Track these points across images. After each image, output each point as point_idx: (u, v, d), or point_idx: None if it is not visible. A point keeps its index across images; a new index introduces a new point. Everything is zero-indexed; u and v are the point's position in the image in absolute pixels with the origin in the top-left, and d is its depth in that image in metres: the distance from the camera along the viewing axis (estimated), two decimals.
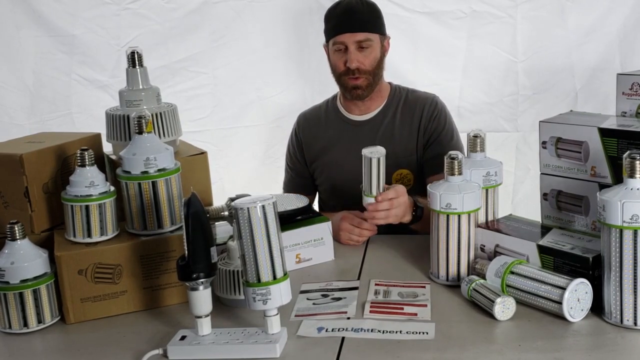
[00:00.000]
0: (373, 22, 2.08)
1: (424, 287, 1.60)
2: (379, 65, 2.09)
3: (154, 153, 1.56)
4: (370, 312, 1.49)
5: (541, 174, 1.65)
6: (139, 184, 1.57)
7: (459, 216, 1.56)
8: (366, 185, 1.78)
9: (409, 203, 1.85)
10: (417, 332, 1.39)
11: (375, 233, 1.96)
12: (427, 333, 1.38)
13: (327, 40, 2.12)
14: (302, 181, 2.25)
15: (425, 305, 1.51)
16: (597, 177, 1.53)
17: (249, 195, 1.39)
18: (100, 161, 1.76)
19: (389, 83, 2.19)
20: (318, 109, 2.26)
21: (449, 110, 2.16)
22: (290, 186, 2.29)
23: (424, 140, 2.09)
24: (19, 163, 1.59)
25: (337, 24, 2.06)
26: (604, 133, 1.50)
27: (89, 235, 1.56)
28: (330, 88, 2.25)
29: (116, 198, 1.61)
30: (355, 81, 2.07)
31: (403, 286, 1.61)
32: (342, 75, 2.08)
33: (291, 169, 2.28)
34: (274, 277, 1.34)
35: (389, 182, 2.09)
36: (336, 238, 1.92)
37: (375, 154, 1.72)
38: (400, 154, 2.09)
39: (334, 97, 2.25)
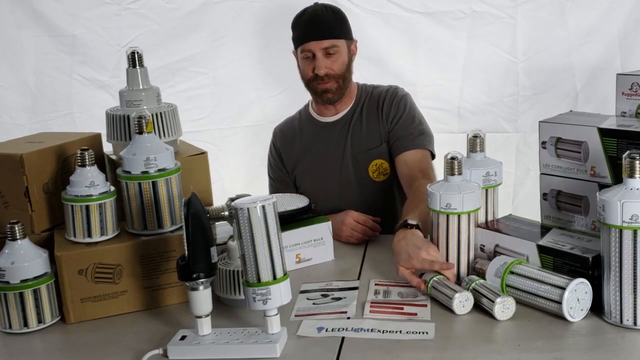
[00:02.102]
0: (338, 28, 2.11)
1: None
2: (347, 69, 2.13)
3: (154, 153, 1.56)
4: (370, 312, 1.49)
5: (541, 174, 1.65)
6: (139, 184, 1.57)
7: (459, 216, 1.56)
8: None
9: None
10: (417, 332, 1.39)
11: (378, 233, 1.96)
12: (427, 333, 1.38)
13: (295, 48, 2.15)
14: (289, 191, 2.24)
15: (425, 305, 1.51)
16: (596, 177, 1.53)
17: (249, 195, 1.39)
18: (101, 161, 1.76)
19: (357, 83, 2.23)
20: (292, 120, 2.30)
21: (414, 100, 2.19)
22: None
23: (387, 127, 2.13)
24: (19, 163, 1.59)
25: (303, 32, 2.10)
26: (604, 133, 1.50)
27: (89, 235, 1.57)
28: None
29: (116, 198, 1.61)
30: (325, 84, 2.10)
31: (403, 286, 1.61)
32: (310, 81, 2.12)
33: (275, 181, 2.29)
34: (274, 277, 1.34)
35: (365, 173, 2.14)
36: (338, 234, 1.92)
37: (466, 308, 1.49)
38: (371, 146, 2.14)
39: (306, 106, 2.29)
